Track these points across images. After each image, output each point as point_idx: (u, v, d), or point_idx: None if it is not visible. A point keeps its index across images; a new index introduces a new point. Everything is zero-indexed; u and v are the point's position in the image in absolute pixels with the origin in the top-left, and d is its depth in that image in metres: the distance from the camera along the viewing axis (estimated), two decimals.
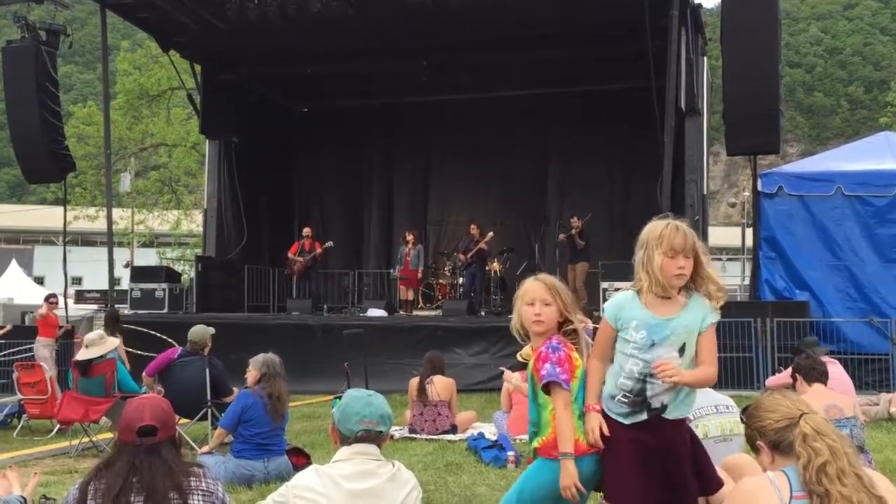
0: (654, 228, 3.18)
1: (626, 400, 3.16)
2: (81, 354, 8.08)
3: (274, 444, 6.21)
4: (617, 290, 9.37)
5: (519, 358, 4.87)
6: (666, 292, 3.13)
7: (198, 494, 2.82)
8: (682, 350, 3.12)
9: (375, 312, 14.43)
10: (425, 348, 9.48)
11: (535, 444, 3.36)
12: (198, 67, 16.87)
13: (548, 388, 3.23)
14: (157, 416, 2.88)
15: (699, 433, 4.23)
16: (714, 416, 4.26)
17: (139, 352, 11.73)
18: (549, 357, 3.24)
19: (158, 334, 12.63)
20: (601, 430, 3.17)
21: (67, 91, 47.33)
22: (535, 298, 3.37)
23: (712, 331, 3.17)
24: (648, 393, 3.14)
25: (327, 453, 4.97)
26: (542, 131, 18.32)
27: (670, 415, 3.16)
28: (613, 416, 3.19)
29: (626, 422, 3.16)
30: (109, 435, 7.85)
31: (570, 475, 3.15)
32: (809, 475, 2.56)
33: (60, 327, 13.15)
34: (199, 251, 19.07)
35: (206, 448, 6.68)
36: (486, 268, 15.84)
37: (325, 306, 16.81)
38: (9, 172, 59.78)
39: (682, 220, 3.23)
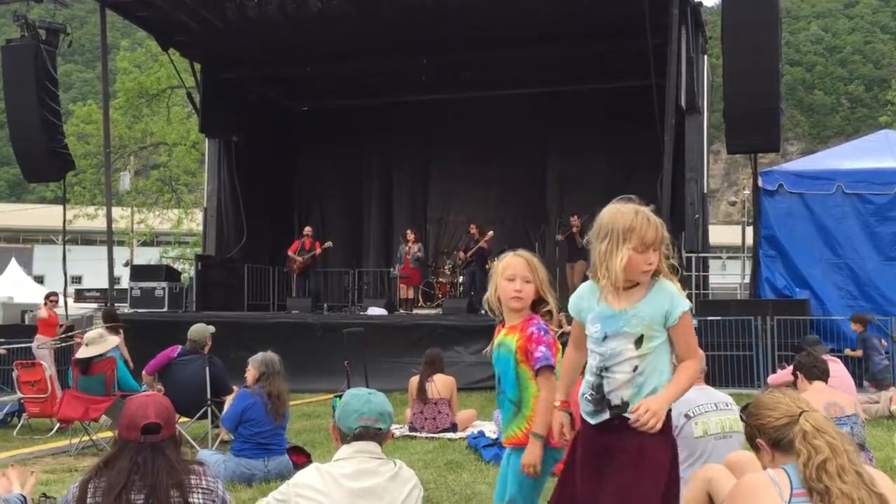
0: (623, 218, 2.88)
1: (590, 398, 2.93)
2: (81, 352, 8.08)
3: (274, 444, 6.20)
4: None
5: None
6: (619, 284, 2.84)
7: (198, 492, 2.82)
8: (638, 342, 2.85)
9: (375, 311, 14.44)
10: (425, 347, 9.47)
11: (515, 430, 3.34)
12: (198, 66, 16.86)
13: (537, 371, 3.25)
14: (161, 413, 2.88)
15: (699, 430, 4.22)
16: (714, 414, 4.28)
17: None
18: (541, 339, 3.25)
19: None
20: (570, 429, 3.10)
21: (67, 90, 47.29)
22: (517, 275, 3.35)
23: (686, 320, 2.86)
24: (605, 388, 2.89)
25: (328, 452, 4.97)
26: (542, 130, 18.30)
27: None
28: (583, 416, 2.99)
29: (592, 421, 2.92)
30: (109, 433, 7.85)
31: (534, 455, 3.20)
32: (809, 472, 2.55)
33: (60, 325, 13.15)
34: (199, 250, 19.08)
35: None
36: (487, 266, 15.83)
37: (325, 305, 16.84)
38: (8, 171, 59.73)
39: (649, 207, 2.96)
